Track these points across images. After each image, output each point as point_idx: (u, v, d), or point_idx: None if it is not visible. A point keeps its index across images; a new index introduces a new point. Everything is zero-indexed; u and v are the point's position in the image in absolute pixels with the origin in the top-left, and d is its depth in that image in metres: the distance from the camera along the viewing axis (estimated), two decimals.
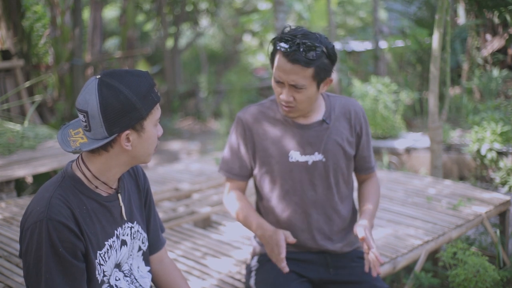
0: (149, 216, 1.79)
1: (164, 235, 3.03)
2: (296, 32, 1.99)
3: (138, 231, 1.70)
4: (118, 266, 1.65)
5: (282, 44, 1.97)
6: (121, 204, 1.62)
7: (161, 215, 3.31)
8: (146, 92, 1.48)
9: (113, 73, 1.48)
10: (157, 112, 1.54)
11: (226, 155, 2.26)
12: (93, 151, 1.52)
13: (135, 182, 1.74)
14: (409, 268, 3.15)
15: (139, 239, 1.71)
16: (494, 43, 6.91)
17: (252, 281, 2.22)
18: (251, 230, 2.17)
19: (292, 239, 2.01)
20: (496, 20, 6.80)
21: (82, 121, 1.48)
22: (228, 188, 2.27)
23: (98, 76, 1.47)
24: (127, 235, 1.66)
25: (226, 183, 2.28)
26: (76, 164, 1.57)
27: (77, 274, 1.48)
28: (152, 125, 1.53)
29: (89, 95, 1.45)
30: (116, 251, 1.62)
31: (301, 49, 1.94)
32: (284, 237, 2.00)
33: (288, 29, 2.04)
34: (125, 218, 1.65)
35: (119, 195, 1.62)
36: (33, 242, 1.45)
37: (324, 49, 1.98)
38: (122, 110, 1.44)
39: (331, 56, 2.01)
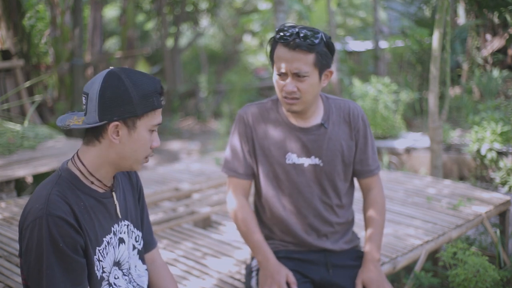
0: (143, 214, 1.80)
1: (164, 235, 3.04)
2: (294, 26, 2.01)
3: (132, 229, 1.71)
4: (118, 264, 1.65)
5: (282, 34, 1.98)
6: (116, 202, 1.64)
7: (161, 215, 3.32)
8: (148, 93, 1.52)
9: (125, 68, 1.55)
10: (154, 117, 1.55)
11: (229, 154, 2.23)
12: (87, 143, 1.56)
13: (129, 180, 1.76)
14: (409, 268, 3.15)
15: (132, 238, 1.72)
16: (494, 43, 6.91)
17: (253, 282, 2.21)
18: (251, 249, 2.17)
19: (293, 280, 2.05)
20: (496, 20, 6.81)
21: (83, 103, 1.54)
22: (232, 189, 2.21)
23: (112, 67, 1.54)
24: (124, 233, 1.67)
25: (230, 183, 2.23)
26: (71, 162, 1.59)
27: (78, 269, 1.49)
28: (146, 129, 1.55)
29: (96, 79, 1.52)
30: (113, 248, 1.62)
31: (301, 35, 1.96)
32: (285, 279, 2.05)
33: (283, 26, 2.05)
34: (120, 216, 1.66)
35: (113, 193, 1.63)
36: (33, 239, 1.45)
37: (323, 36, 1.99)
38: (118, 99, 1.49)
39: (330, 45, 2.02)
